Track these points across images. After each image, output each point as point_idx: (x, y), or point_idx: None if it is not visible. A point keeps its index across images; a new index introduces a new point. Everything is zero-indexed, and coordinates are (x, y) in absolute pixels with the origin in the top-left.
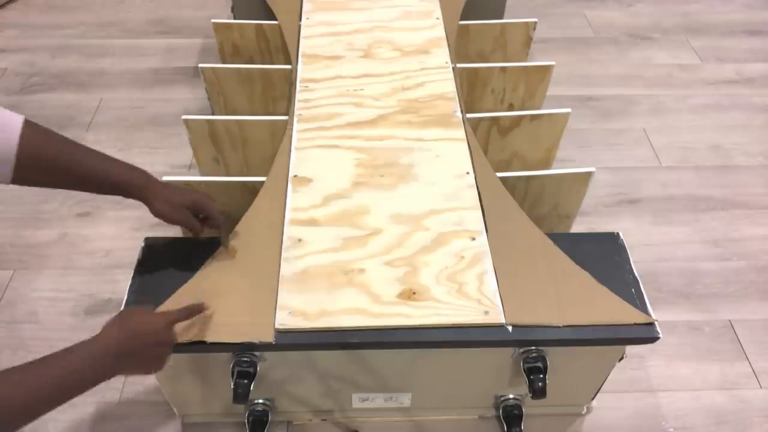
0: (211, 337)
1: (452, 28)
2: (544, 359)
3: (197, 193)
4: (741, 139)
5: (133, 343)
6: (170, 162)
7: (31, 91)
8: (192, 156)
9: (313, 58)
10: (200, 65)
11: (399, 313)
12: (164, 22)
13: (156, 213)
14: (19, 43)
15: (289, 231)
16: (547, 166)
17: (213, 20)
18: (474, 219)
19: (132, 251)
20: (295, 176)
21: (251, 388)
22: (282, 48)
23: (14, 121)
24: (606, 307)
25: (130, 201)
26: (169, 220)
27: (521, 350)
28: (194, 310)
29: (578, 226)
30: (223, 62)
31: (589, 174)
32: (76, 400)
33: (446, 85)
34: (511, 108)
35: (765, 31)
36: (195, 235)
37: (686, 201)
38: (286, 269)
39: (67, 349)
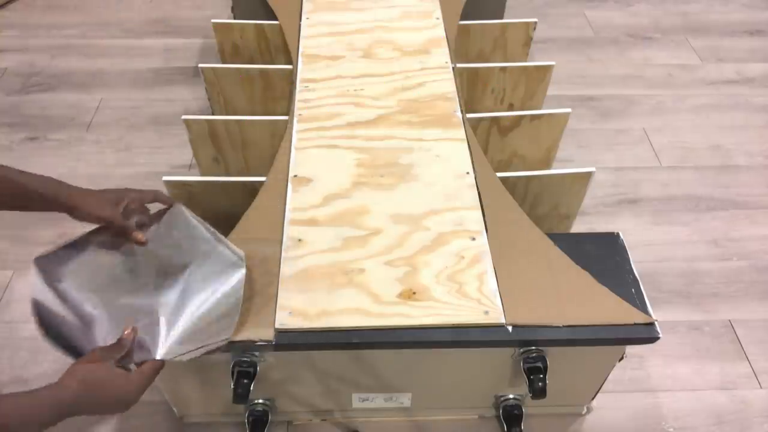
0: None
1: (452, 28)
2: (544, 359)
3: (123, 190)
4: (741, 139)
5: (90, 400)
6: (170, 162)
7: (31, 91)
8: (192, 156)
9: (314, 58)
10: (200, 65)
11: (399, 313)
12: (164, 22)
13: (87, 211)
14: (19, 43)
15: (289, 231)
16: (547, 166)
17: (213, 20)
18: (474, 219)
19: None
20: (295, 176)
21: (251, 388)
22: (282, 48)
23: None
24: (606, 307)
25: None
26: (97, 216)
27: (521, 350)
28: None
29: (578, 226)
30: (223, 62)
31: (589, 174)
32: None
33: (446, 85)
34: (511, 108)
35: (765, 31)
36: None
37: (686, 201)
38: (286, 269)
39: (26, 393)
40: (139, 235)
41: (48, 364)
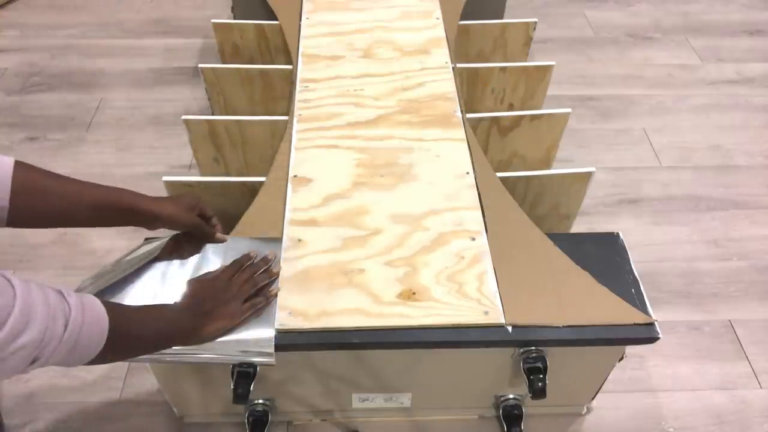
0: None
1: (452, 28)
2: (544, 359)
3: (192, 194)
4: (741, 139)
5: (200, 299)
6: (170, 162)
7: (31, 91)
8: (192, 156)
9: (313, 58)
10: (200, 65)
11: (399, 314)
12: (164, 22)
13: (169, 218)
14: (19, 43)
15: (289, 231)
16: (547, 166)
17: (213, 20)
18: (474, 219)
19: None
20: (295, 176)
21: (251, 388)
22: (282, 48)
23: (4, 162)
24: (606, 307)
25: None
26: (183, 223)
27: (521, 350)
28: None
29: (578, 226)
30: (223, 62)
31: (589, 174)
32: (77, 398)
33: (446, 85)
34: (511, 108)
35: (765, 31)
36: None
37: (686, 201)
38: (286, 269)
39: (158, 305)
40: (224, 237)
41: None
